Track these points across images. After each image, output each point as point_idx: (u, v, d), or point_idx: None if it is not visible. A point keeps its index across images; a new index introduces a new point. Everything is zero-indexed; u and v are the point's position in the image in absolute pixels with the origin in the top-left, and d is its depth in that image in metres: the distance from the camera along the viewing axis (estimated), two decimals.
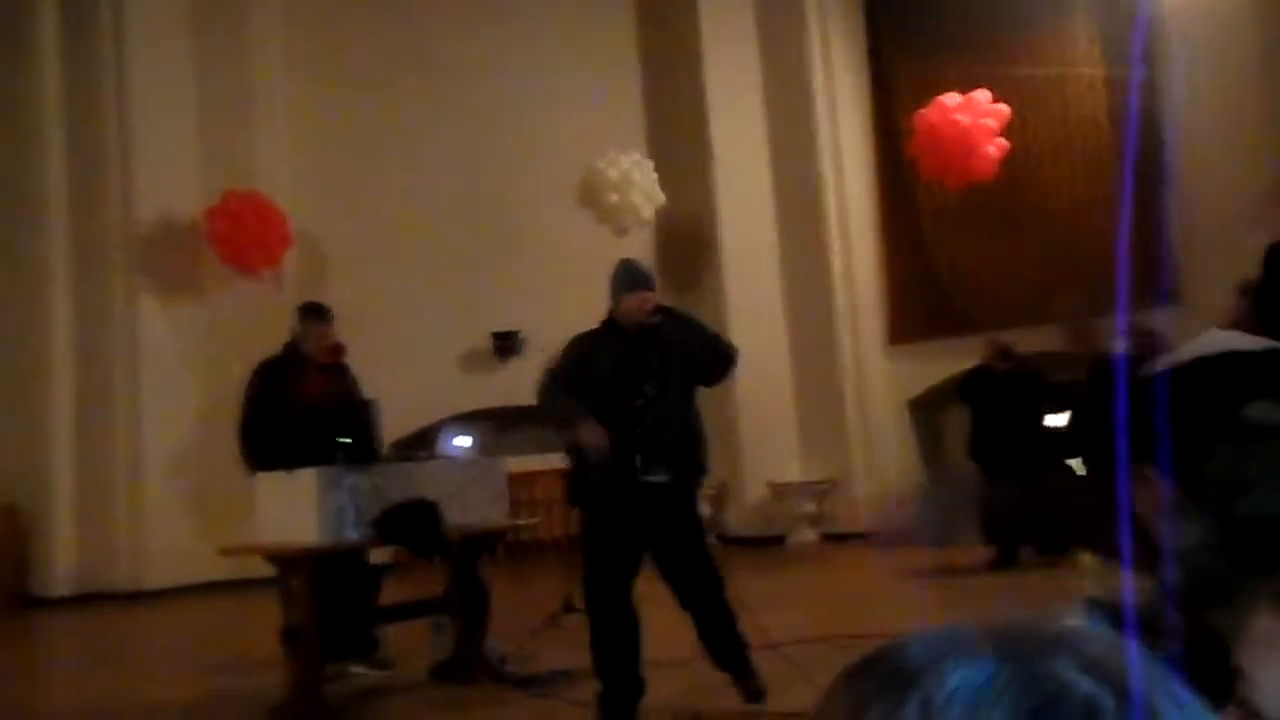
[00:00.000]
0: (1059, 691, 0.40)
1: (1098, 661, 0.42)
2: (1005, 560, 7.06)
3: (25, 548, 8.90)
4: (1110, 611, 0.48)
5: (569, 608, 5.99)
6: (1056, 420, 7.13)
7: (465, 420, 8.43)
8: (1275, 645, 0.75)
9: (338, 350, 5.23)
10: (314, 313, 5.21)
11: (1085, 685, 0.40)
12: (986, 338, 7.56)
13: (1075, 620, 0.46)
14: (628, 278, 3.95)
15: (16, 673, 6.64)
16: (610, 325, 3.96)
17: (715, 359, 4.00)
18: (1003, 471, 7.11)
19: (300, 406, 4.93)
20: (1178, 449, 0.87)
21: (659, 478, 3.81)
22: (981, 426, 7.35)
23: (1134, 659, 0.43)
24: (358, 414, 5.04)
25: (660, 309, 3.94)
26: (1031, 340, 7.69)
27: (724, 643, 3.91)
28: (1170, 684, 0.42)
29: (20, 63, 9.18)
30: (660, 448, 3.82)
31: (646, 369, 3.86)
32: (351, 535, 4.32)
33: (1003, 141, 8.22)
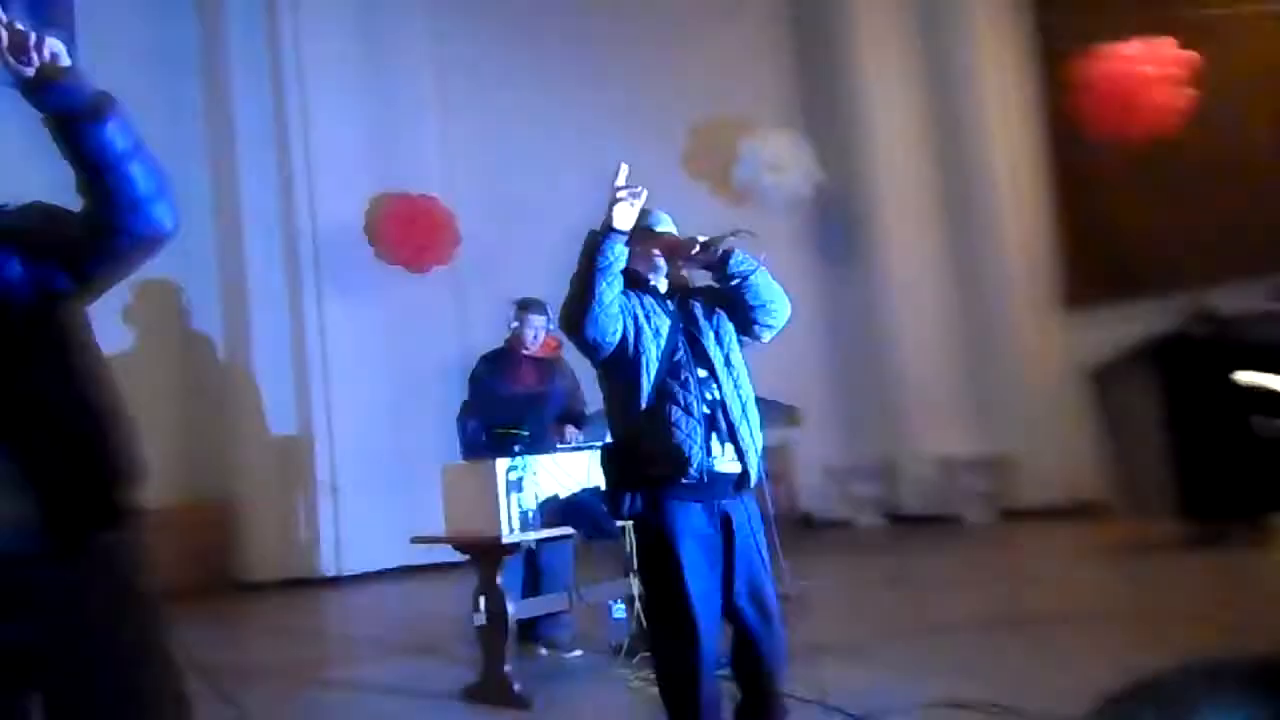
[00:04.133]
0: None
1: None
2: (1208, 535, 6.62)
3: (236, 538, 9.65)
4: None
5: None
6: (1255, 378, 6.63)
7: None
8: None
9: (552, 344, 5.48)
10: (521, 305, 5.48)
11: None
12: (1179, 298, 7.07)
13: None
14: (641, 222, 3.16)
15: (229, 649, 7.23)
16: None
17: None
18: (1202, 444, 6.66)
19: (508, 396, 5.23)
20: None
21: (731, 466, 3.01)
22: (1177, 396, 6.90)
23: None
24: (559, 404, 5.30)
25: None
26: (1225, 299, 7.16)
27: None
28: None
29: (215, 90, 9.88)
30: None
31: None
32: (531, 523, 4.48)
33: (1187, 91, 7.65)
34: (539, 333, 5.41)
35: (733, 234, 3.03)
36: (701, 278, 3.18)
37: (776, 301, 3.11)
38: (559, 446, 5.04)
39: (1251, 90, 8.21)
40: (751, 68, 10.34)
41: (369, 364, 9.61)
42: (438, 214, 9.38)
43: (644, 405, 2.94)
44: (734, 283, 3.04)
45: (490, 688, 4.52)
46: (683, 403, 2.94)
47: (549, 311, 5.37)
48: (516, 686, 4.50)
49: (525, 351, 5.42)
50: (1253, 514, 6.55)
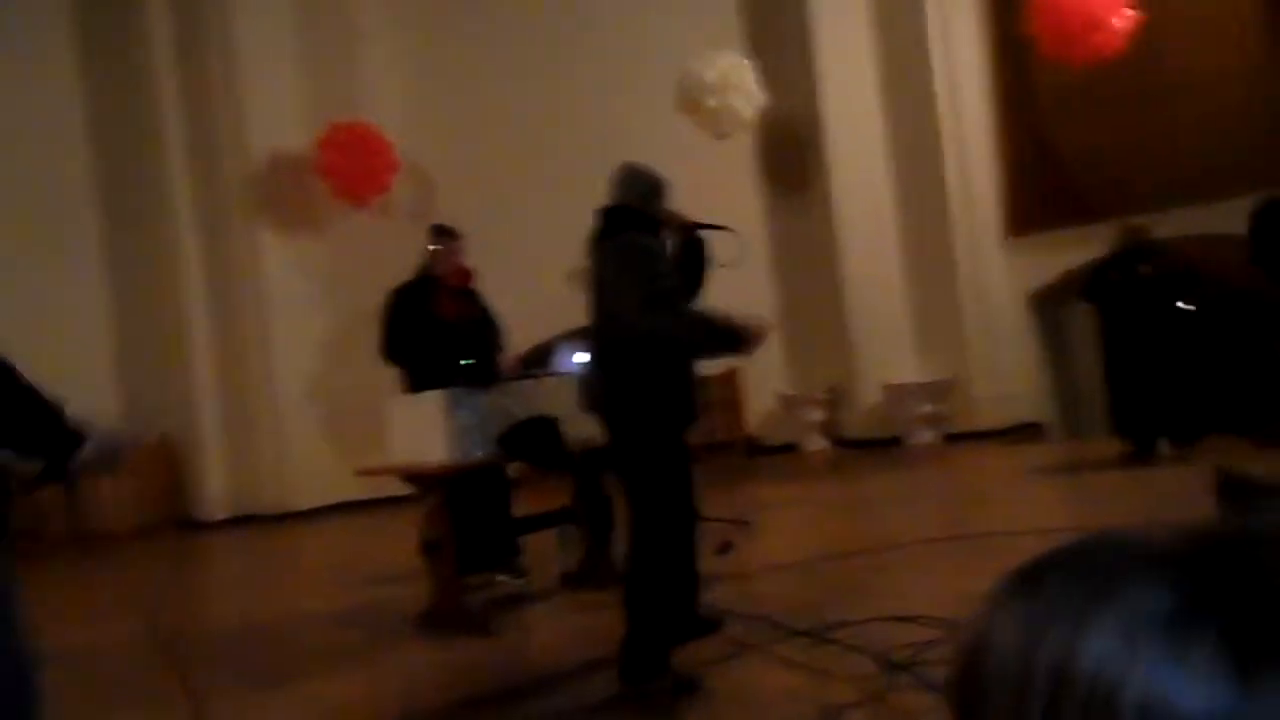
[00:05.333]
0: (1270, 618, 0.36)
1: None
2: (1140, 453, 6.82)
3: (180, 475, 9.53)
4: (1251, 488, 0.42)
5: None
6: (1189, 306, 6.78)
7: (578, 337, 8.56)
8: None
9: (466, 275, 5.36)
10: (439, 232, 5.35)
11: None
12: (1117, 223, 7.17)
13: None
14: (662, 186, 3.68)
15: (179, 588, 7.19)
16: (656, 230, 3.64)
17: None
18: (1137, 364, 6.82)
19: (435, 327, 5.12)
20: None
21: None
22: (1112, 318, 7.03)
23: None
24: (488, 335, 5.22)
25: None
26: (1166, 225, 7.27)
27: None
28: None
29: (130, 7, 9.46)
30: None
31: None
32: (478, 452, 4.45)
33: (1131, 13, 7.65)
34: (455, 259, 5.28)
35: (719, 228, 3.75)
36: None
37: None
38: (508, 376, 4.99)
39: (1199, 14, 8.24)
40: None
41: (308, 296, 9.43)
42: (375, 142, 9.13)
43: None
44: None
45: (445, 615, 4.54)
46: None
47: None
48: (471, 613, 4.52)
49: (444, 280, 5.24)
50: (1182, 434, 6.76)
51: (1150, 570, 0.39)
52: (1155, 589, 0.38)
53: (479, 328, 5.31)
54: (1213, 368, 7.20)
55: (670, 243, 3.71)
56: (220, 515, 9.33)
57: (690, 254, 3.76)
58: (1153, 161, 8.32)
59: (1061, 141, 9.06)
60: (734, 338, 3.74)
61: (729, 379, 9.72)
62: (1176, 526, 0.42)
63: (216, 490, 9.42)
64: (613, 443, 3.55)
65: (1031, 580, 0.43)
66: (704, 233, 3.81)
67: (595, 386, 3.56)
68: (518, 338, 5.63)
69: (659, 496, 3.41)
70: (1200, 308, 6.81)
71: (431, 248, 5.30)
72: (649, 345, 3.40)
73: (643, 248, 3.49)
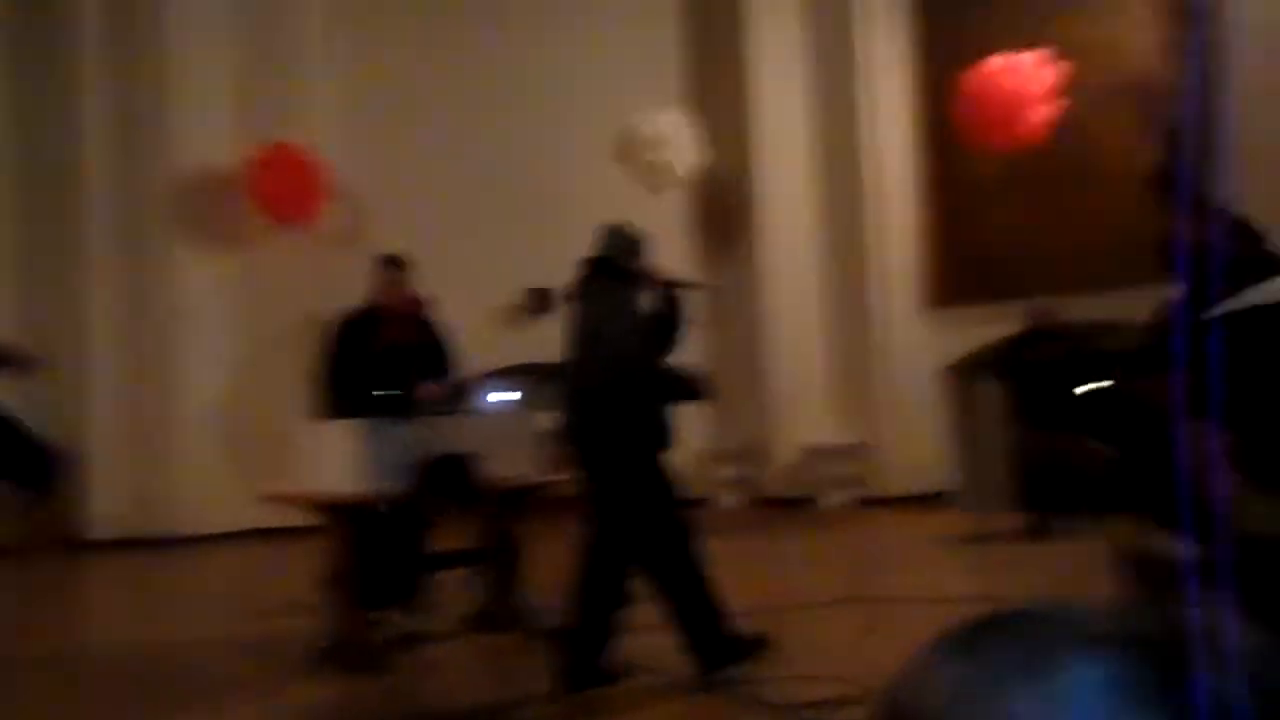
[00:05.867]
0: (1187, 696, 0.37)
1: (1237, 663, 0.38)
2: (1042, 527, 7.01)
3: (70, 493, 9.09)
4: (1153, 568, 0.43)
5: None
6: (1094, 386, 7.05)
7: (501, 375, 8.49)
8: None
9: (415, 303, 5.28)
10: (384, 262, 5.26)
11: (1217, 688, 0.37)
12: (1029, 303, 7.45)
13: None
14: (642, 244, 4.14)
15: (65, 613, 6.83)
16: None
17: None
18: (1041, 441, 7.04)
19: (374, 357, 5.02)
20: (1233, 400, 0.81)
21: None
22: (1021, 394, 7.27)
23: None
24: (434, 364, 5.13)
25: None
26: (1075, 308, 7.58)
27: None
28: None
29: (59, 11, 9.23)
30: None
31: None
32: (389, 485, 4.36)
33: (1052, 104, 8.03)
34: (397, 289, 5.22)
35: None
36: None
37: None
38: (425, 406, 4.91)
39: (1116, 104, 8.68)
40: (645, 46, 10.29)
41: (223, 316, 9.20)
42: (308, 164, 9.01)
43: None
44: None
45: (344, 652, 4.40)
46: None
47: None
48: (369, 649, 4.39)
49: (390, 310, 5.22)
50: (1084, 510, 6.98)
51: (1084, 648, 0.40)
52: (1088, 667, 0.38)
53: (422, 357, 5.22)
54: (1113, 448, 7.47)
55: (649, 297, 4.01)
56: (108, 535, 8.91)
57: (668, 308, 4.02)
58: (1066, 246, 8.69)
59: (981, 220, 9.41)
60: (693, 389, 4.18)
61: None
62: (1106, 607, 0.42)
63: (106, 509, 9.00)
64: (607, 471, 3.89)
65: (967, 644, 0.42)
66: (680, 289, 4.07)
67: (588, 421, 3.91)
68: None
69: (657, 515, 3.86)
70: (1103, 389, 7.09)
71: (377, 278, 5.21)
72: (645, 380, 3.87)
73: (626, 297, 3.92)
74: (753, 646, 3.96)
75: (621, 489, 3.87)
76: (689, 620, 3.83)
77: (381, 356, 5.07)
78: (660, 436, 3.91)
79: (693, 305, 4.13)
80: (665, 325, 4.00)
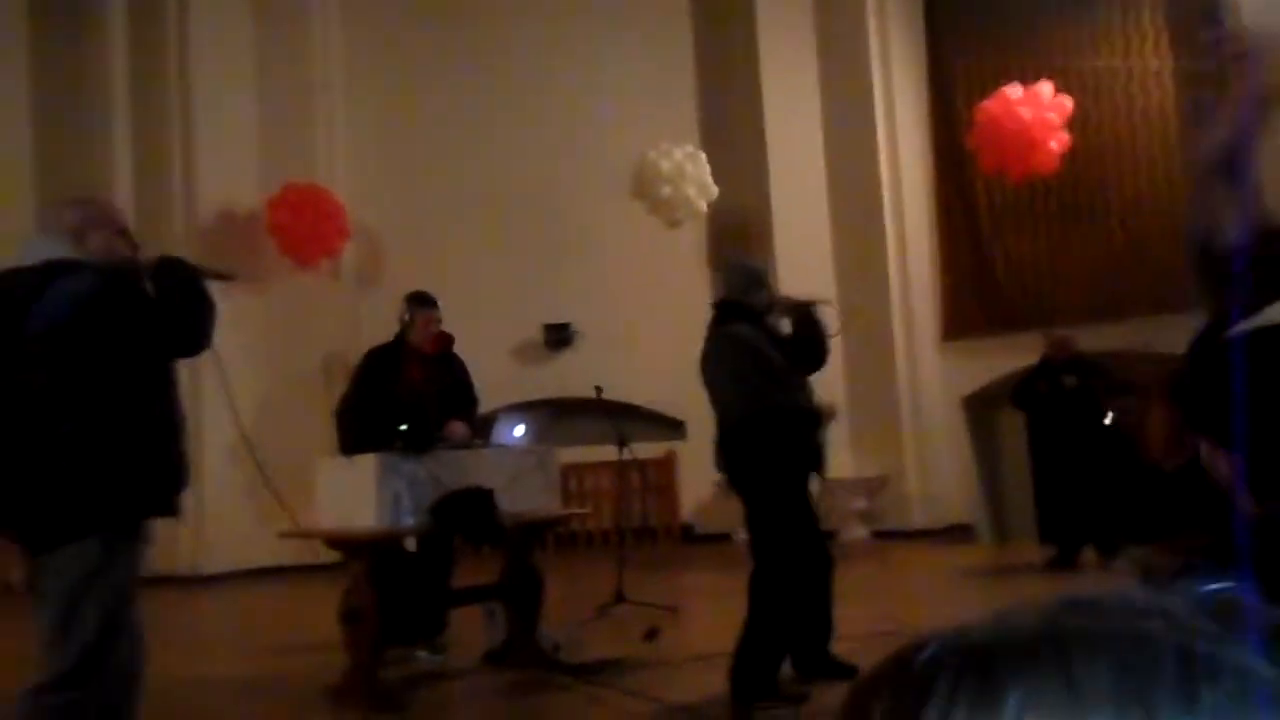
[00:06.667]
0: None
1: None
2: (1064, 560, 6.94)
3: None
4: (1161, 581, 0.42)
5: (620, 598, 6.03)
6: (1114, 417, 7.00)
7: (519, 410, 8.51)
8: None
9: (443, 340, 5.31)
10: (418, 300, 5.29)
11: None
12: (1045, 333, 7.42)
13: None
14: (760, 276, 4.30)
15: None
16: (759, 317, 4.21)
17: None
18: (1062, 473, 6.98)
19: (399, 394, 5.04)
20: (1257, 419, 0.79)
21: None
22: (1040, 426, 7.22)
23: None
24: (456, 403, 5.14)
25: None
26: (1091, 338, 7.55)
27: None
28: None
29: (88, 48, 9.42)
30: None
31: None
32: (409, 521, 4.37)
33: (1065, 135, 8.06)
34: (431, 328, 5.27)
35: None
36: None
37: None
38: (446, 443, 4.92)
39: (1128, 141, 8.71)
40: (661, 81, 10.42)
41: (245, 355, 9.26)
42: (327, 204, 9.13)
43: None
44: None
45: (359, 689, 4.38)
46: None
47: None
48: (386, 688, 4.37)
49: (417, 348, 5.26)
50: (1105, 541, 6.91)
51: (974, 670, 0.39)
52: (1045, 688, 0.38)
53: (446, 396, 5.24)
54: (1136, 479, 7.40)
55: (784, 322, 4.18)
56: None
57: (806, 328, 4.14)
58: (1081, 276, 8.67)
59: (997, 252, 9.41)
60: (815, 416, 4.24)
61: (666, 464, 9.72)
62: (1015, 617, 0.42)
63: None
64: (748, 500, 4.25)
65: (871, 684, 0.41)
66: (813, 308, 4.18)
67: (721, 456, 4.20)
68: None
69: (788, 537, 4.15)
70: (1123, 420, 7.04)
71: (406, 316, 5.26)
72: (755, 422, 3.99)
73: (741, 340, 4.03)
74: (790, 699, 3.96)
75: (767, 515, 4.15)
76: (751, 642, 3.91)
77: (407, 393, 5.10)
78: (784, 466, 4.08)
79: (829, 320, 4.24)
80: (808, 345, 4.10)
